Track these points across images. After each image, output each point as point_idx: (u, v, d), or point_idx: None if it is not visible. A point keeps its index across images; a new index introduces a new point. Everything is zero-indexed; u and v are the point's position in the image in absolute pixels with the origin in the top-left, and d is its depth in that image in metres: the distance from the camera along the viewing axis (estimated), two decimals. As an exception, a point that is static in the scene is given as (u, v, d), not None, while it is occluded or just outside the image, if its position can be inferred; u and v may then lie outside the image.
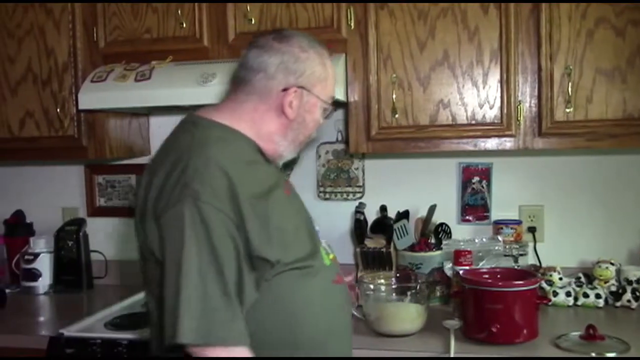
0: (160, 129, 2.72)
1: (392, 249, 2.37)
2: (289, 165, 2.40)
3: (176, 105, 2.24)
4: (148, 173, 1.40)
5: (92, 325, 2.16)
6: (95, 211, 2.79)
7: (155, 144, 2.72)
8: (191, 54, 2.27)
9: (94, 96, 2.21)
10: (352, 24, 2.16)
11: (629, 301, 2.16)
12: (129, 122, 2.59)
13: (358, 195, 2.54)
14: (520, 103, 2.08)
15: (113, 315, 2.24)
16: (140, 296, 2.48)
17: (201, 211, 1.22)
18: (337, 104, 1.71)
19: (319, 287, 1.42)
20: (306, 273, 1.38)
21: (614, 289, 2.20)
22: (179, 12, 2.27)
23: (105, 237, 2.76)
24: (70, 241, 2.65)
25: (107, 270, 2.72)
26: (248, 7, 2.22)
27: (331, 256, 1.51)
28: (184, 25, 2.27)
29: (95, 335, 2.05)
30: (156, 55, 2.27)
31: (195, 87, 2.10)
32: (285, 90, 1.41)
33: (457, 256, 2.14)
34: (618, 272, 2.24)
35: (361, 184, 2.54)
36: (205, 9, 2.27)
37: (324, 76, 1.46)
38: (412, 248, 2.34)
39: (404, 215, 2.41)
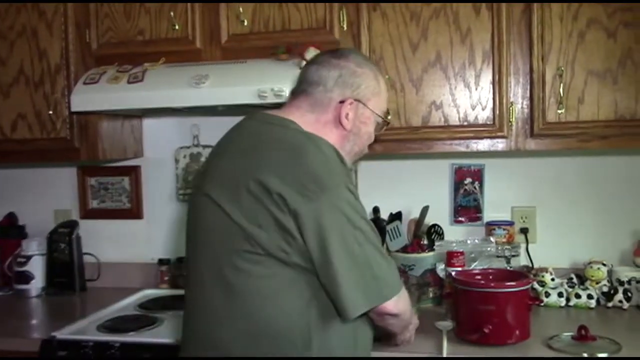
0: (153, 130, 2.72)
1: (385, 251, 2.37)
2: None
3: (169, 107, 2.24)
4: (243, 164, 1.40)
5: (85, 328, 2.15)
6: (88, 213, 2.78)
7: (149, 145, 2.72)
8: (184, 55, 2.26)
9: (87, 98, 2.21)
10: (345, 26, 2.16)
11: (620, 302, 2.17)
12: (122, 123, 2.59)
13: (351, 196, 2.54)
14: (512, 104, 2.08)
15: (106, 318, 2.23)
16: (133, 298, 2.49)
17: (351, 190, 1.38)
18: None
19: None
20: None
21: (605, 289, 2.21)
22: (172, 13, 2.27)
23: (98, 240, 2.76)
24: (62, 243, 2.65)
25: (99, 272, 2.72)
26: (241, 9, 2.22)
27: None
28: (177, 27, 2.27)
29: (87, 338, 2.04)
30: (149, 57, 2.27)
31: (188, 88, 2.09)
32: (342, 102, 1.49)
33: (450, 257, 2.14)
34: (610, 272, 2.25)
35: (354, 185, 2.54)
36: (198, 11, 2.27)
37: (377, 91, 1.55)
38: (404, 249, 2.34)
39: (396, 216, 2.42)
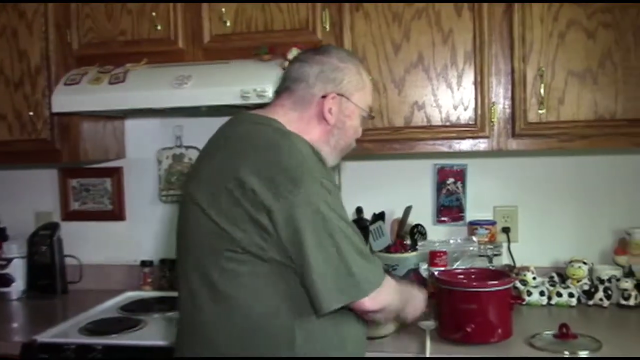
0: (136, 131, 2.70)
1: (365, 246, 2.37)
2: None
3: (151, 108, 2.23)
4: (226, 165, 1.41)
5: (66, 331, 2.13)
6: (69, 215, 2.76)
7: (131, 146, 2.71)
8: (166, 56, 2.26)
9: (68, 99, 2.19)
10: (328, 26, 2.16)
11: (601, 300, 2.19)
12: (104, 125, 2.57)
13: (334, 197, 2.54)
14: (494, 104, 2.10)
15: (87, 320, 2.22)
16: (116, 300, 2.47)
17: (326, 187, 1.37)
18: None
19: None
20: None
21: (586, 287, 2.23)
22: (154, 14, 2.26)
23: (79, 242, 2.73)
24: (44, 246, 2.62)
25: (81, 274, 2.70)
26: (223, 9, 2.22)
27: None
28: (159, 27, 2.26)
29: (69, 341, 2.02)
30: (130, 57, 2.26)
31: (170, 89, 2.08)
32: (324, 97, 1.50)
33: (433, 257, 2.15)
34: (590, 271, 2.27)
35: (333, 182, 2.54)
36: (180, 11, 2.26)
37: (361, 85, 1.56)
38: (388, 249, 2.34)
39: (379, 216, 2.42)
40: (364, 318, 1.48)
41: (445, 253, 2.17)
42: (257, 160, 1.37)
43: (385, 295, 1.43)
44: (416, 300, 1.66)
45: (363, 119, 1.60)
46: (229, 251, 1.36)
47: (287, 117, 1.50)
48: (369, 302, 1.37)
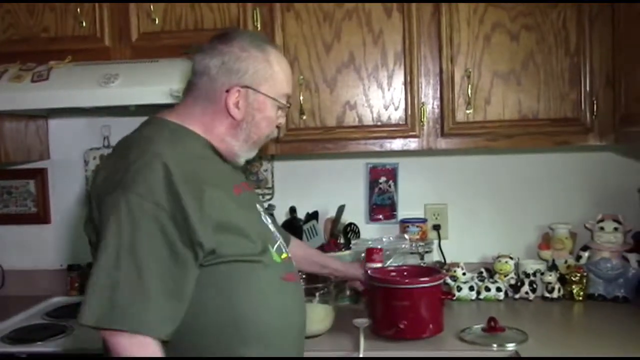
0: (61, 131, 2.62)
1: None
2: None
3: (77, 107, 2.16)
4: (99, 169, 1.45)
5: (-12, 340, 2.05)
6: (-10, 219, 2.65)
7: (55, 147, 2.62)
8: (92, 54, 2.19)
9: (-13, 98, 2.10)
10: (259, 26, 2.15)
11: (527, 293, 2.27)
12: (26, 124, 2.48)
13: (267, 197, 2.53)
14: (423, 105, 2.14)
15: (11, 328, 2.14)
16: (40, 306, 2.39)
17: (129, 202, 1.24)
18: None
19: (266, 282, 1.41)
20: (252, 267, 1.38)
21: (513, 282, 2.31)
22: (78, 10, 2.19)
23: (1, 246, 2.63)
24: (-38, 251, 2.51)
25: (4, 280, 2.60)
26: (152, 7, 2.17)
27: (284, 255, 1.49)
28: (84, 24, 2.20)
29: (-9, 350, 1.96)
30: (54, 55, 2.18)
31: (96, 88, 2.03)
32: (228, 91, 1.41)
33: (370, 253, 2.15)
34: (517, 266, 2.35)
35: (270, 185, 2.54)
36: (107, 8, 2.20)
37: (269, 74, 1.44)
38: (322, 248, 2.35)
39: (313, 216, 2.43)
40: None
41: (382, 250, 2.18)
42: (108, 176, 1.34)
43: (136, 348, 1.23)
44: None
45: (278, 108, 1.48)
46: None
47: (190, 116, 1.43)
48: (103, 333, 1.23)
